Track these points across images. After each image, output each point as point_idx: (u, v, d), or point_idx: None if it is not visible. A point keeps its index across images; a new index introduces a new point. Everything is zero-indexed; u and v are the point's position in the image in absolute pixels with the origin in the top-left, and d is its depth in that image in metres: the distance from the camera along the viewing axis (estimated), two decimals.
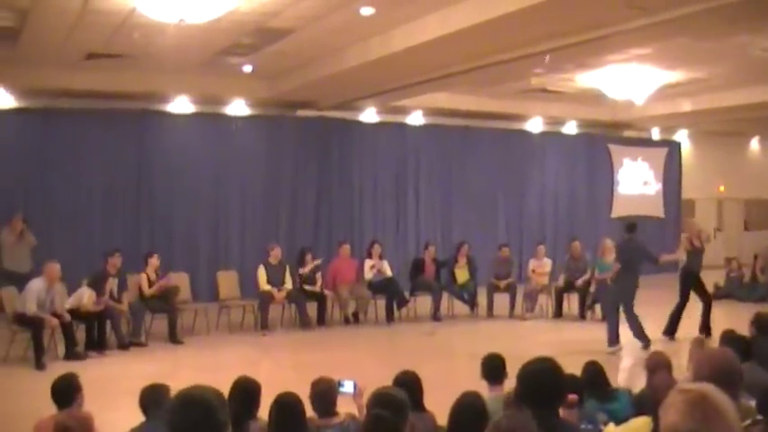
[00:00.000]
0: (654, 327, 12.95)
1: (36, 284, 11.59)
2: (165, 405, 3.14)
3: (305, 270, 14.79)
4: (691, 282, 13.56)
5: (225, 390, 4.78)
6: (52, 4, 10.60)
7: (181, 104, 17.20)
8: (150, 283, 13.32)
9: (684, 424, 2.64)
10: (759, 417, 4.29)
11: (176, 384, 4.05)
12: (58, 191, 15.86)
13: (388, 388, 4.56)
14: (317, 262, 15.08)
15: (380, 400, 4.33)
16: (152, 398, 5.28)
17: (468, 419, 4.54)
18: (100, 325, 12.16)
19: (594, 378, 6.23)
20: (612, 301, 12.82)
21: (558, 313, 15.66)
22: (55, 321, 11.48)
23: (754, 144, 28.65)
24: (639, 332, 12.36)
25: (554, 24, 10.63)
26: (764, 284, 18.53)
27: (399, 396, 4.38)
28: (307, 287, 14.70)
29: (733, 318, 10.10)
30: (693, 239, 13.60)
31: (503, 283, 15.88)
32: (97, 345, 12.06)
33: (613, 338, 12.26)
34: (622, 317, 12.44)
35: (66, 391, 5.61)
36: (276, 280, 14.37)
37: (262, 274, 14.35)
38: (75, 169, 16.03)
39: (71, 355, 11.51)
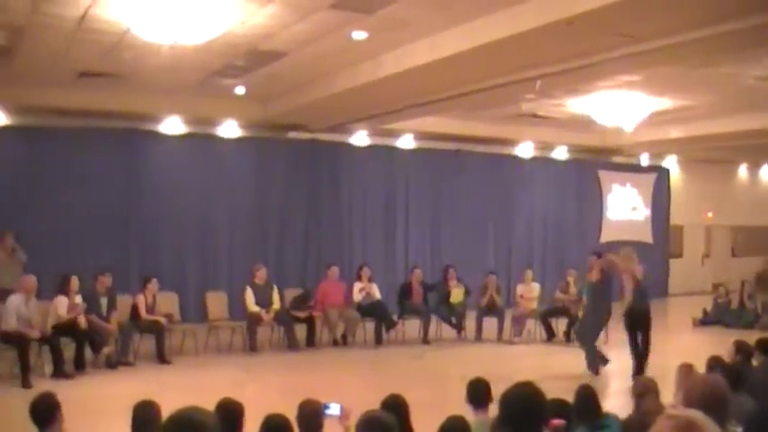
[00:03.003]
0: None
1: (14, 300, 11.62)
2: (157, 424, 3.09)
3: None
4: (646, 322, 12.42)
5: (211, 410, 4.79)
6: (47, 23, 10.62)
7: (172, 125, 17.21)
8: (147, 308, 13.31)
9: None
10: None
11: (163, 405, 4.03)
12: (48, 209, 15.78)
13: (376, 411, 4.58)
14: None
15: (369, 424, 4.35)
16: (144, 415, 5.24)
17: None
18: (90, 343, 12.17)
19: (586, 403, 6.04)
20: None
21: (549, 337, 15.65)
22: (36, 333, 11.50)
23: (743, 171, 28.80)
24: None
25: (544, 51, 10.71)
26: (752, 311, 18.59)
27: (388, 419, 4.40)
28: (295, 312, 14.74)
29: (720, 344, 10.08)
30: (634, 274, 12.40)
31: (485, 300, 15.98)
32: (82, 364, 12.05)
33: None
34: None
35: (45, 411, 5.47)
36: (263, 301, 14.37)
37: (249, 295, 14.35)
38: (66, 187, 15.94)
39: (59, 373, 11.47)
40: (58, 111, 15.51)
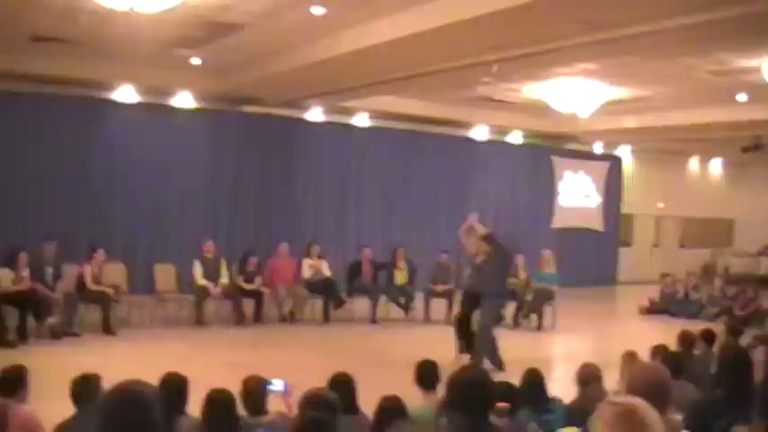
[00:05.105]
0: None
1: None
2: (98, 397, 3.04)
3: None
4: None
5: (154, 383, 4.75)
6: None
7: (126, 94, 16.96)
8: (94, 278, 13.16)
9: None
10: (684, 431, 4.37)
11: (107, 377, 3.97)
12: None
13: (320, 389, 4.60)
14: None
15: (312, 401, 4.35)
16: (84, 389, 5.21)
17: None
18: (34, 312, 12.01)
19: (532, 387, 6.10)
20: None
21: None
22: None
23: (694, 164, 29.15)
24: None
25: (503, 35, 10.71)
26: (697, 301, 18.84)
27: (331, 397, 4.43)
28: (244, 285, 14.67)
29: (665, 333, 10.23)
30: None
31: (440, 288, 15.93)
32: (26, 334, 11.91)
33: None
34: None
35: (12, 381, 5.53)
36: (212, 275, 14.32)
37: (198, 268, 14.32)
38: (15, 154, 15.63)
39: (1, 342, 11.30)
40: (11, 76, 15.18)
